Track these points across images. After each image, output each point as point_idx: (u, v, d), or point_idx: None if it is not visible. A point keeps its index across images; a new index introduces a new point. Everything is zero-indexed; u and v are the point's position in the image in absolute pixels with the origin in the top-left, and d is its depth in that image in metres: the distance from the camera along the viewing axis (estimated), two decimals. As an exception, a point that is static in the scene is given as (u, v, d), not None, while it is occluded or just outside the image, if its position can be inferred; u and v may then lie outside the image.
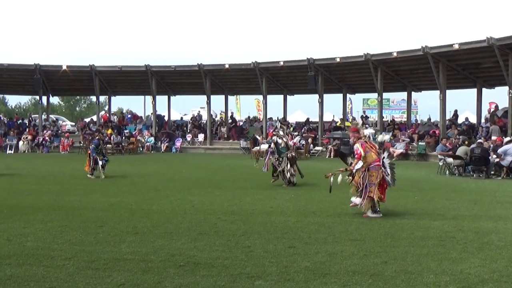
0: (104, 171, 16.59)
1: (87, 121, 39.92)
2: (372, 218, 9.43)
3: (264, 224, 8.81)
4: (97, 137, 17.33)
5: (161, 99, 37.55)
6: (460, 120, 30.94)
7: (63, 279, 5.75)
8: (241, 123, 37.85)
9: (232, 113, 39.30)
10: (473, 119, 30.34)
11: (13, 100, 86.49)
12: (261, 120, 36.35)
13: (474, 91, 29.20)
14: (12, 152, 31.83)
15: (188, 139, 34.13)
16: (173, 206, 10.79)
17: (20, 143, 32.90)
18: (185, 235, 7.90)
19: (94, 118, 38.63)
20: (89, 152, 17.06)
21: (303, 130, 32.39)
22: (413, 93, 33.35)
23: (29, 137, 33.49)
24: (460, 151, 18.46)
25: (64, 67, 33.54)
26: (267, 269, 6.12)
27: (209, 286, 5.57)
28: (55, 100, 63.56)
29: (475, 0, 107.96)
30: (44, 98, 37.49)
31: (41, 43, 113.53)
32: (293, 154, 14.71)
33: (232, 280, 5.73)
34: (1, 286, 5.54)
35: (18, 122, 37.30)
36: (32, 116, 40.32)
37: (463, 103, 76.57)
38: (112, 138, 31.71)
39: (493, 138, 23.97)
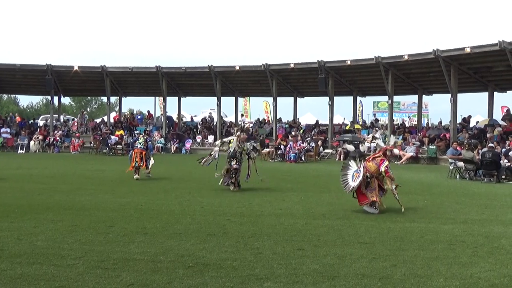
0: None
1: (97, 122, 40.08)
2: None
3: (273, 226, 8.81)
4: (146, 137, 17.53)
5: (172, 100, 37.73)
6: (471, 124, 30.76)
7: (73, 278, 5.78)
8: (251, 125, 37.85)
9: (242, 115, 39.25)
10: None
11: (25, 100, 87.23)
12: (270, 122, 36.34)
13: (485, 94, 29.04)
14: (24, 152, 32.06)
15: (198, 140, 34.20)
16: (182, 207, 10.82)
17: (31, 143, 33.12)
18: (194, 236, 7.92)
19: (105, 118, 38.80)
20: (138, 152, 16.57)
21: (313, 133, 32.34)
22: (424, 96, 33.24)
23: (40, 137, 33.72)
24: (464, 154, 18.38)
25: (76, 68, 33.74)
26: (276, 271, 6.12)
27: (218, 287, 5.58)
28: (66, 100, 63.98)
29: (487, 4, 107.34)
30: (56, 99, 37.78)
31: (53, 44, 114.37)
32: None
33: (241, 282, 5.74)
34: (11, 285, 5.58)
35: (30, 122, 37.63)
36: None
37: (475, 106, 76.21)
38: (123, 139, 31.88)
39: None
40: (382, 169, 10.42)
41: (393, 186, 10.56)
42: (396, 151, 10.95)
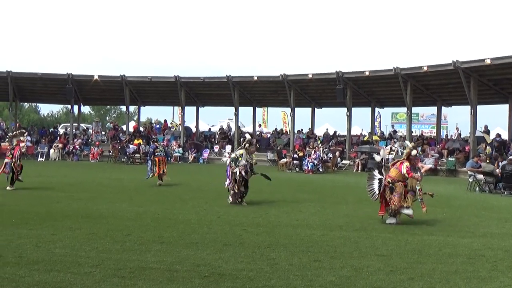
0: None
1: (118, 128, 40.35)
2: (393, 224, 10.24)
3: (290, 237, 8.78)
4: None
5: (190, 110, 37.93)
6: (491, 136, 30.35)
7: (89, 286, 5.82)
8: (268, 135, 37.86)
9: (259, 125, 39.25)
10: (505, 136, 29.77)
11: (45, 109, 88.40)
12: (288, 133, 36.32)
13: (506, 106, 28.69)
14: (43, 159, 32.45)
15: (216, 150, 34.28)
16: (199, 217, 10.84)
17: (51, 151, 33.51)
18: (211, 246, 7.93)
19: (124, 127, 39.10)
20: (163, 159, 17.82)
21: (330, 144, 32.23)
22: (443, 108, 32.98)
23: (60, 145, 34.10)
24: (484, 167, 18.17)
25: (96, 77, 34.12)
26: (291, 282, 6.09)
27: (233, 297, 5.56)
28: (86, 109, 64.61)
29: (507, 15, 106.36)
30: (76, 107, 38.23)
31: (74, 53, 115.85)
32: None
33: (257, 292, 5.72)
34: (29, 291, 5.63)
35: (50, 130, 38.14)
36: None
37: (495, 119, 75.18)
38: (141, 148, 32.09)
39: None
40: (404, 171, 10.39)
41: (418, 187, 10.52)
42: (414, 152, 10.99)
